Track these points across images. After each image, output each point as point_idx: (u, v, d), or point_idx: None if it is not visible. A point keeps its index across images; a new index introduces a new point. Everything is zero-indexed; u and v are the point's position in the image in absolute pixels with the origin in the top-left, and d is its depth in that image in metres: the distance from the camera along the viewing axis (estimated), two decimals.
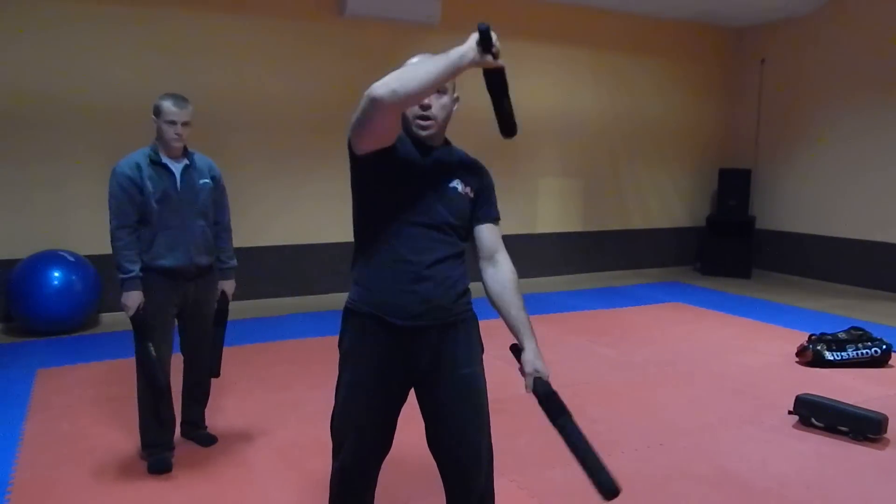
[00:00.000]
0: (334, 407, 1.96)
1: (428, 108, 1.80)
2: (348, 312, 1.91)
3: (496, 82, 1.72)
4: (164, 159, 2.86)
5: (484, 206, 1.94)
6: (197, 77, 5.72)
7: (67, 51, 5.38)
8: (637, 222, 8.21)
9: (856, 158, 7.25)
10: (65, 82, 5.39)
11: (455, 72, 1.64)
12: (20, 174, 5.31)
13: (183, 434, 3.19)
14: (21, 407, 3.68)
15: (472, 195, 1.91)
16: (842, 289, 7.31)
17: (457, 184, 1.88)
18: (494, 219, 1.97)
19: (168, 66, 5.65)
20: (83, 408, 3.67)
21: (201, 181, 2.96)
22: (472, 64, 1.64)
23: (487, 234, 1.94)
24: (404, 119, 1.84)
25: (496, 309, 1.92)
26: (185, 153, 2.94)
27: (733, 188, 8.14)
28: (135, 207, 2.80)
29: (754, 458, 3.13)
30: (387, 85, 1.61)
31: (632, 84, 7.89)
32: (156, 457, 2.94)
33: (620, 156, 7.96)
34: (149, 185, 2.81)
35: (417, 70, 1.65)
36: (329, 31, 6.26)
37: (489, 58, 1.65)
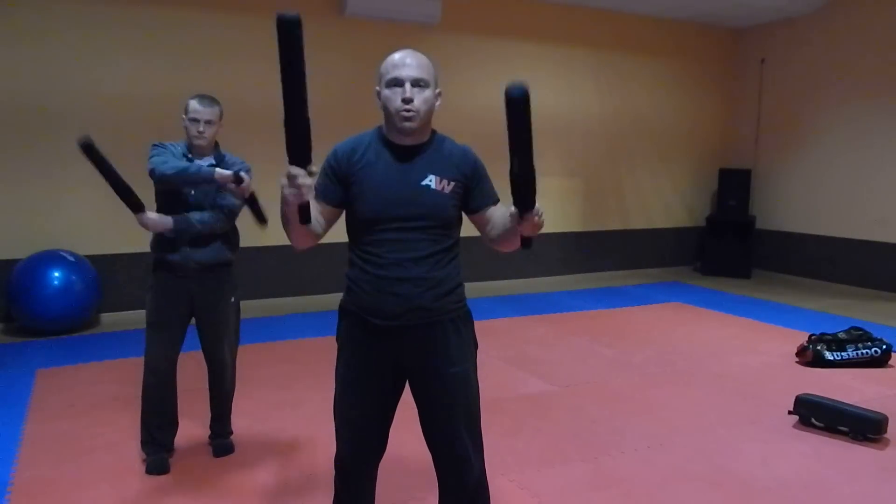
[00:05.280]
0: (333, 401, 2.03)
1: (410, 101, 1.81)
2: (341, 310, 1.99)
3: None
4: (192, 157, 2.89)
5: (478, 196, 1.95)
6: (196, 77, 5.71)
7: (68, 53, 5.38)
8: (637, 222, 8.21)
9: (856, 158, 7.25)
10: (65, 84, 5.39)
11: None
12: (21, 174, 5.31)
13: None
14: (21, 407, 3.68)
15: (450, 189, 1.89)
16: (842, 289, 7.31)
17: (430, 181, 1.87)
18: (494, 201, 1.99)
19: (168, 67, 5.65)
20: (83, 408, 3.67)
21: None
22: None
23: (493, 212, 1.97)
24: (386, 116, 1.88)
25: (502, 230, 1.89)
26: (216, 153, 2.94)
27: (733, 188, 8.14)
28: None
29: (754, 458, 3.13)
30: None
31: (632, 84, 7.89)
32: (153, 457, 2.94)
33: (620, 156, 7.96)
34: None
35: None
36: (329, 31, 6.26)
37: None
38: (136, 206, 2.66)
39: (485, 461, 2.01)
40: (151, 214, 2.76)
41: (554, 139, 7.50)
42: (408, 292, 1.84)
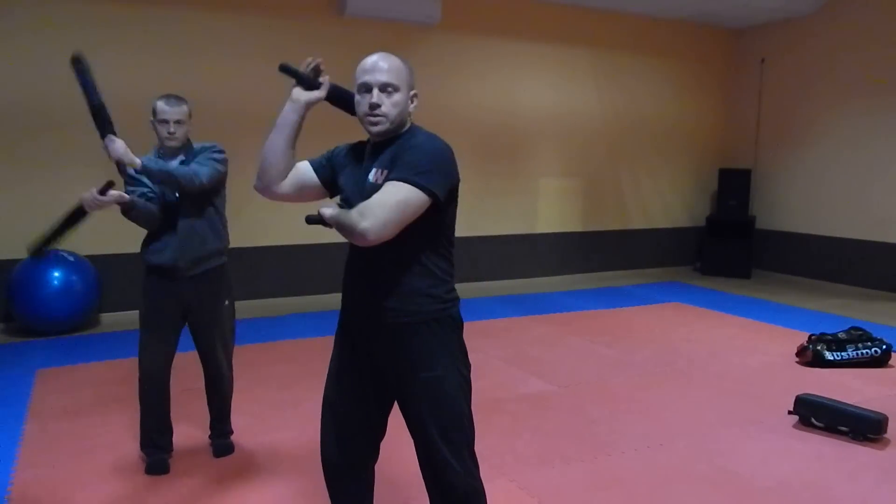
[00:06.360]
0: None
1: (377, 106, 1.81)
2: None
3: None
4: (166, 158, 2.88)
5: (392, 173, 1.74)
6: (196, 77, 5.72)
7: (67, 52, 5.37)
8: (637, 222, 8.21)
9: (856, 158, 7.25)
10: (65, 83, 5.36)
11: (293, 115, 1.90)
12: (20, 174, 5.31)
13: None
14: (21, 407, 3.68)
15: (383, 178, 1.76)
16: (842, 289, 7.31)
17: (371, 174, 1.82)
18: (394, 178, 1.71)
19: (167, 67, 5.65)
20: (83, 408, 3.67)
21: None
22: (308, 101, 1.91)
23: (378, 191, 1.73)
24: (359, 119, 1.88)
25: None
26: (185, 151, 2.91)
27: (733, 188, 8.14)
28: None
29: (754, 458, 3.13)
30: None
31: (631, 84, 7.90)
32: (153, 458, 2.94)
33: (620, 156, 7.96)
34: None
35: (268, 144, 1.91)
36: (329, 31, 6.25)
37: (312, 92, 1.90)
38: (104, 129, 2.71)
39: (479, 466, 1.93)
40: (120, 142, 2.68)
41: (554, 139, 7.50)
42: (372, 291, 1.84)
